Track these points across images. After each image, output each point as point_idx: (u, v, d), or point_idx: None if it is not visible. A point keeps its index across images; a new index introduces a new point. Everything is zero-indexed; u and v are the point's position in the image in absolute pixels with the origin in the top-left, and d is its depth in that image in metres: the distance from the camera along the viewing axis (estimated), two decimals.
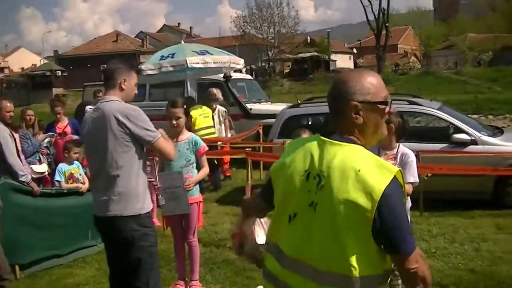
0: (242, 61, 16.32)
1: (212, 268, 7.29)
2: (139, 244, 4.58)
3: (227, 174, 13.59)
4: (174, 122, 5.83)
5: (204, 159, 6.08)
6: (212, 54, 15.20)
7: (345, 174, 2.50)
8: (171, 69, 14.45)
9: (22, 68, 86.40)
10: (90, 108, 14.06)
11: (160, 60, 14.56)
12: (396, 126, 4.91)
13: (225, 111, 13.40)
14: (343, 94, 2.61)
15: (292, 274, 2.64)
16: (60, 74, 66.97)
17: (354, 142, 2.62)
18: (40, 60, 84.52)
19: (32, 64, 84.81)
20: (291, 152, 2.77)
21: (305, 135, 5.42)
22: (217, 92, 13.19)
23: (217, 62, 15.11)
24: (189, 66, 14.28)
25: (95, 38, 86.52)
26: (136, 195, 4.56)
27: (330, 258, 2.51)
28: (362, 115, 2.60)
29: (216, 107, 13.12)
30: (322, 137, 2.67)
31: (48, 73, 65.18)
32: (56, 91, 55.64)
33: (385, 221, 2.44)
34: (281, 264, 2.69)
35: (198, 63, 14.46)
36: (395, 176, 2.48)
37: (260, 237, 3.63)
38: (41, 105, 34.58)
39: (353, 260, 2.48)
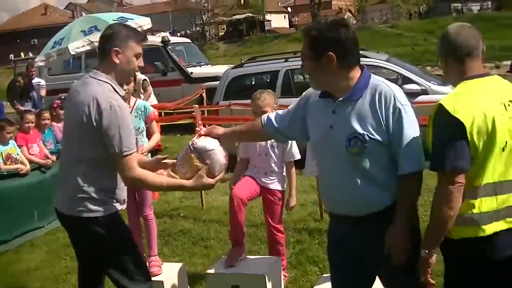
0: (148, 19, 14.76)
1: (168, 240, 7.06)
2: (103, 248, 3.71)
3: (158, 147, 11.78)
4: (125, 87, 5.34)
5: (154, 125, 5.77)
6: (100, 30, 13.76)
7: None
8: (56, 58, 12.68)
9: None
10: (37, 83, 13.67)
11: (51, 48, 12.75)
12: None
13: (146, 79, 12.35)
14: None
15: None
16: None
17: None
18: None
19: None
20: (466, 106, 3.04)
21: (266, 95, 5.28)
22: None
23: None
24: (72, 53, 12.42)
25: (22, 12, 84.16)
26: (95, 197, 3.61)
27: None
28: None
29: (136, 76, 12.06)
30: (489, 77, 3.16)
31: None
32: None
33: None
34: (501, 193, 2.98)
35: (81, 46, 12.46)
36: None
37: None
38: None
39: None
